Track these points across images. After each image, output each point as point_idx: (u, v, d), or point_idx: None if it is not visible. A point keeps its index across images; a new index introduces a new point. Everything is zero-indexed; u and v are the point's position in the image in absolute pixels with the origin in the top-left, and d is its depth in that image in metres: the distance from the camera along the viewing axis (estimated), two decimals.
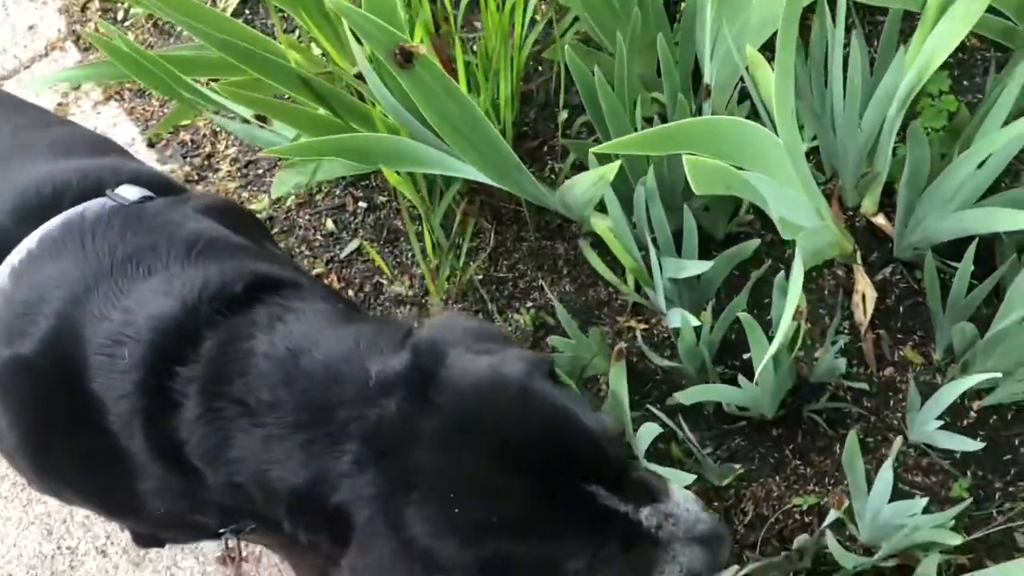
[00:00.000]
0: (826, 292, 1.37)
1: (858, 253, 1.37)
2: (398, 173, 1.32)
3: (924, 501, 1.07)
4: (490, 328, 0.97)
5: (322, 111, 1.37)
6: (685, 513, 0.85)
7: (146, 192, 0.97)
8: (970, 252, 1.18)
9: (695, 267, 1.23)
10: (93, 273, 0.87)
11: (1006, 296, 1.16)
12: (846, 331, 1.34)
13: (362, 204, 1.66)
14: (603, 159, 1.18)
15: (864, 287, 1.35)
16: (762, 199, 1.00)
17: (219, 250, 0.92)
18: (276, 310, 0.86)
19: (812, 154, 1.42)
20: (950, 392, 1.12)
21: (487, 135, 1.21)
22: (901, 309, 1.34)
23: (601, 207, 1.28)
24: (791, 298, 1.02)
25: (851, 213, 1.42)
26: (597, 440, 0.81)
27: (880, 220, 1.39)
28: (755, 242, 1.31)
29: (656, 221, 1.24)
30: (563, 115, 1.54)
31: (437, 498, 0.76)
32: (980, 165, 1.15)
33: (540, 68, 1.62)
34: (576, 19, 1.53)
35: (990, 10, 1.28)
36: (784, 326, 1.01)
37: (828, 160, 1.40)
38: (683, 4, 1.38)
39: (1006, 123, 1.13)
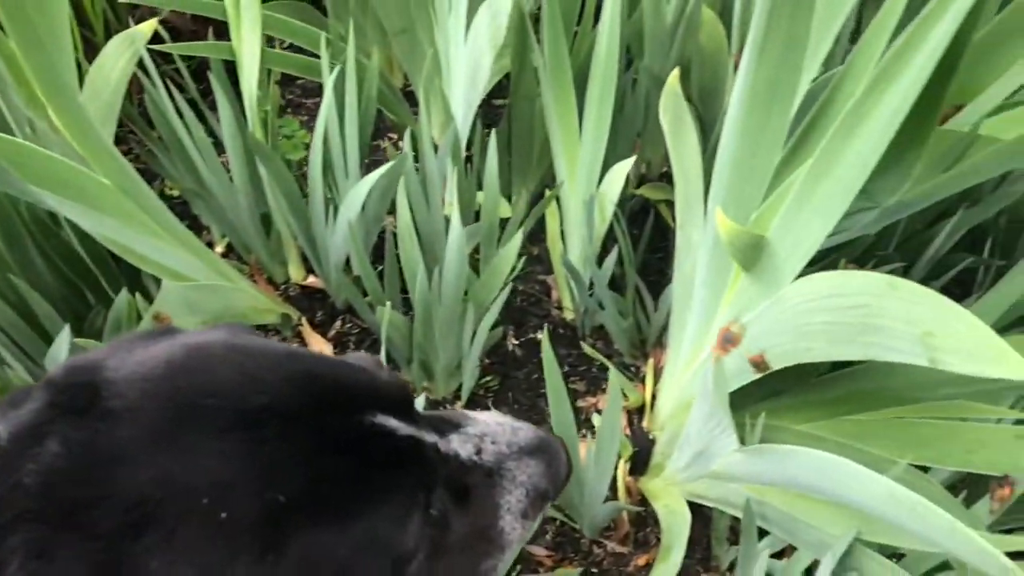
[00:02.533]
0: None
1: (303, 318, 1.34)
2: None
3: None
4: (157, 327, 0.67)
5: None
6: (499, 427, 0.66)
7: None
8: (355, 241, 1.19)
9: None
10: None
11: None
12: None
13: None
14: None
15: (319, 345, 1.31)
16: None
17: None
18: None
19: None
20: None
21: None
22: (363, 352, 1.33)
23: None
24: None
25: (284, 286, 1.39)
26: (362, 367, 0.59)
27: (312, 280, 1.38)
28: None
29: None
30: None
31: (186, 519, 0.49)
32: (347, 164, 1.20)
33: None
34: None
35: (299, 50, 1.40)
36: None
37: (238, 242, 1.36)
38: None
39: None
